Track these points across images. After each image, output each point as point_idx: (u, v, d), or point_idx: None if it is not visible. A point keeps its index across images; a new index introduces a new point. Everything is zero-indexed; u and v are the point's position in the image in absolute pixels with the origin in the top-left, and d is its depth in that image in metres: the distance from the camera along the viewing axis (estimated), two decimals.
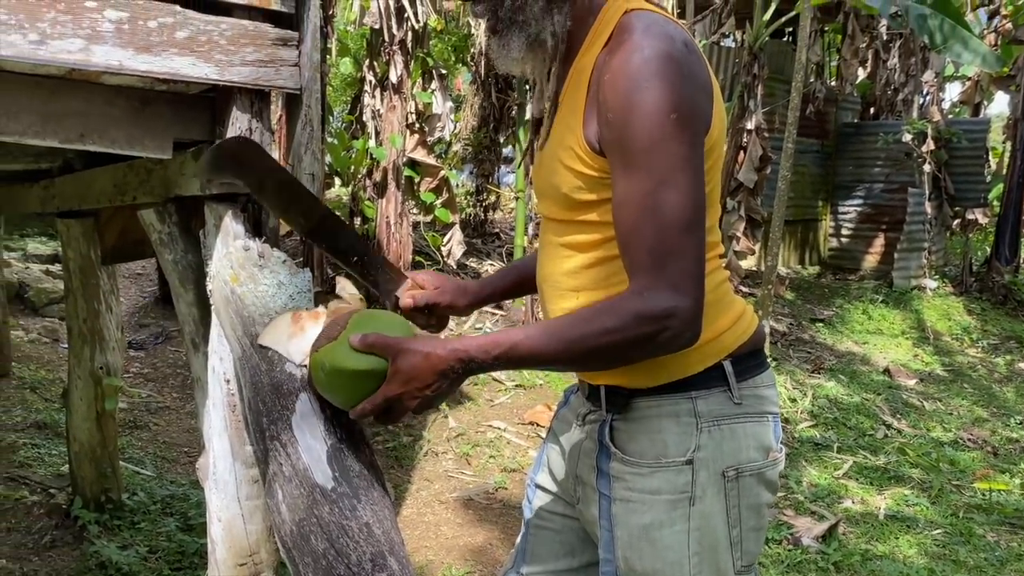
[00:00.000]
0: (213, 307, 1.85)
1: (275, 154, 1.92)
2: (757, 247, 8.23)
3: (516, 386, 4.93)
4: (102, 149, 1.71)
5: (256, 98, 1.76)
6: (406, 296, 1.53)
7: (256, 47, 1.71)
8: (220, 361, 1.96)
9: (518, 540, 1.59)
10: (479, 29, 6.65)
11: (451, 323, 5.82)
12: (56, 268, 6.12)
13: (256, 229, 1.92)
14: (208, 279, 1.88)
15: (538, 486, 1.55)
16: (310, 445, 1.45)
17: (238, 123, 1.74)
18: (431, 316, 1.59)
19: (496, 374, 5.02)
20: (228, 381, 1.97)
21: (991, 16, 12.19)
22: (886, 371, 6.20)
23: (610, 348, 1.16)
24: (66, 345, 3.90)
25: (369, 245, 1.53)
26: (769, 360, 4.70)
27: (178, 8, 1.60)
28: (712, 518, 1.30)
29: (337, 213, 1.55)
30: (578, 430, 1.44)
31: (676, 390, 1.30)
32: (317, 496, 1.38)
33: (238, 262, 1.80)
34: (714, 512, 1.30)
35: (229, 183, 1.58)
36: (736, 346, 1.34)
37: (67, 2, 1.49)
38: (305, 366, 1.40)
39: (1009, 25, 11.56)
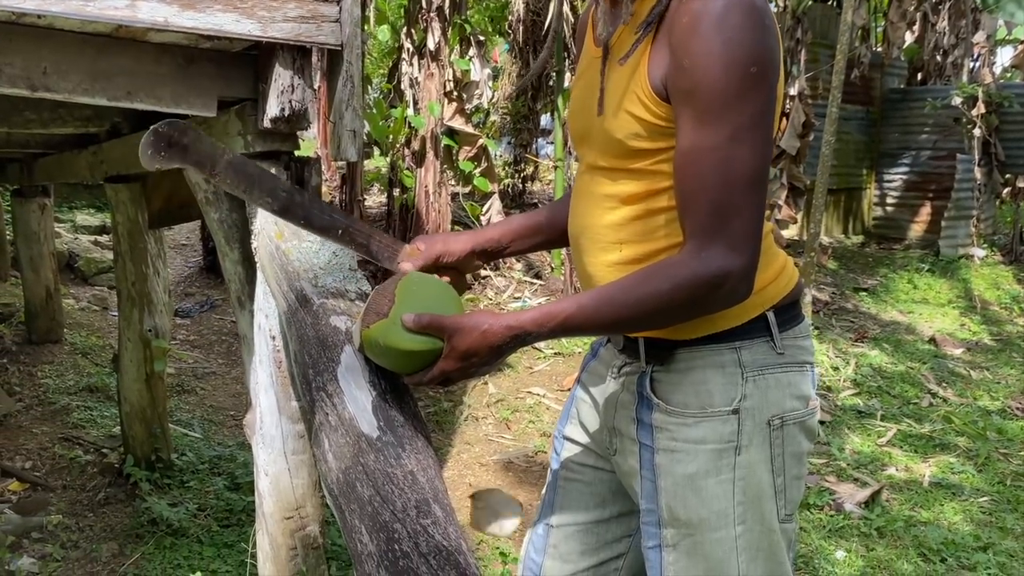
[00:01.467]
0: (258, 264, 1.88)
1: (316, 112, 1.92)
2: (799, 216, 8.10)
3: (555, 354, 4.94)
4: (148, 107, 1.73)
5: (298, 54, 1.77)
6: (403, 264, 1.45)
7: (298, 3, 1.72)
8: (266, 318, 2.00)
9: (544, 492, 1.58)
10: None
11: (491, 293, 5.83)
12: (104, 239, 6.26)
13: (300, 186, 1.94)
14: (253, 236, 1.91)
15: (567, 438, 1.54)
16: (355, 395, 1.46)
17: (280, 80, 1.75)
18: (443, 277, 1.50)
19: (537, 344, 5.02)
20: (274, 337, 2.00)
21: None
22: (932, 340, 6.09)
23: (665, 311, 1.16)
24: (115, 313, 4.00)
25: (352, 216, 1.46)
26: (812, 327, 4.63)
27: None
28: (757, 467, 1.29)
29: (305, 191, 1.46)
30: (613, 382, 1.42)
31: (720, 340, 1.29)
32: (363, 445, 1.40)
33: (282, 221, 1.82)
34: (759, 461, 1.29)
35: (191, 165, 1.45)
36: (779, 298, 1.33)
37: None
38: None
39: None
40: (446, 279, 1.48)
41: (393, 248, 1.46)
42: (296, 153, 1.94)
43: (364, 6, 5.08)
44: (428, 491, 1.41)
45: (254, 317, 2.02)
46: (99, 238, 6.36)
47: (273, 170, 1.87)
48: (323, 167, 5.78)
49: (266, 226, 1.81)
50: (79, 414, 3.79)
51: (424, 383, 1.27)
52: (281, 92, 1.75)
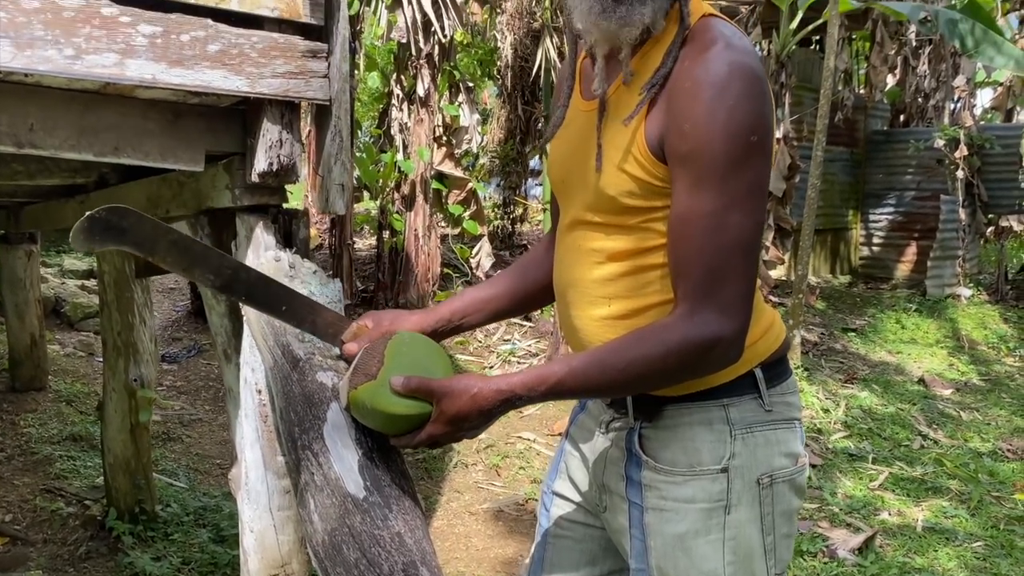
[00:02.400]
0: (245, 318, 1.87)
1: (304, 166, 1.93)
2: (787, 256, 8.15)
3: None
4: (136, 162, 1.73)
5: (286, 109, 1.78)
6: (349, 345, 1.40)
7: (286, 59, 1.73)
8: (252, 372, 1.98)
9: (533, 549, 1.56)
10: (504, 42, 6.67)
11: (480, 335, 5.82)
12: (91, 283, 6.22)
13: (287, 240, 1.94)
14: None
15: (556, 494, 1.52)
16: (341, 455, 1.44)
17: (269, 135, 1.76)
18: None
19: None
20: (260, 392, 1.98)
21: (1022, 21, 12.03)
22: (921, 381, 6.10)
23: (657, 375, 1.16)
24: (101, 359, 3.96)
25: (293, 291, 1.44)
26: (801, 370, 4.63)
27: (210, 22, 1.62)
28: (747, 526, 1.28)
29: (252, 267, 1.43)
30: (602, 438, 1.41)
31: (708, 397, 1.28)
32: (349, 506, 1.38)
33: (269, 273, 1.81)
34: (749, 520, 1.28)
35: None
36: (767, 355, 1.33)
37: (102, 18, 1.52)
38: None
39: None
40: None
41: (338, 325, 1.44)
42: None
43: (354, 53, 5.13)
44: (416, 553, 1.38)
45: (240, 370, 2.01)
46: (86, 283, 6.32)
47: (261, 223, 1.87)
48: (311, 216, 5.80)
49: None
50: (62, 464, 3.74)
51: (411, 446, 1.25)
52: (269, 147, 1.76)
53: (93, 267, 6.37)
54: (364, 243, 7.50)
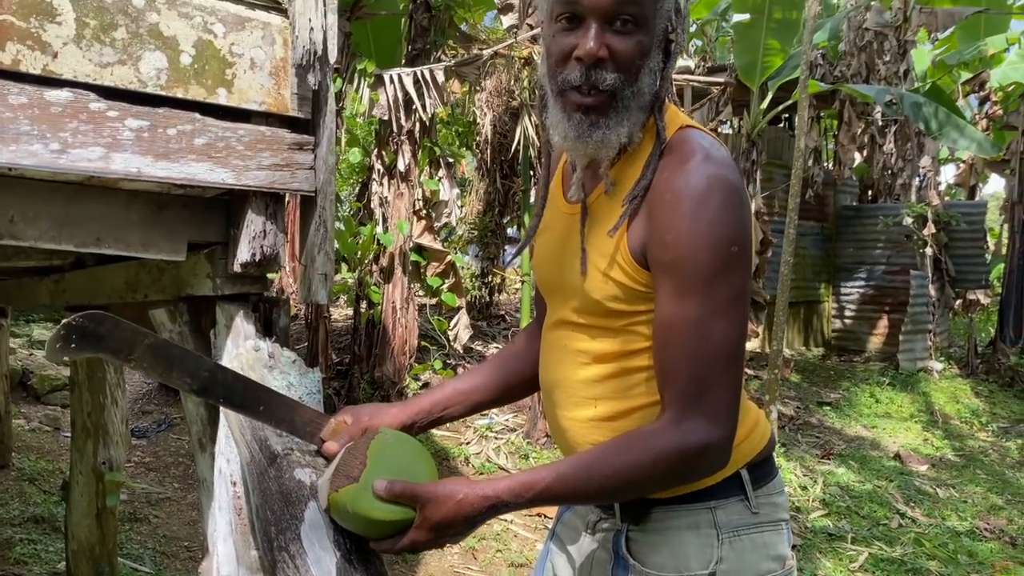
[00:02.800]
0: (222, 408, 1.84)
1: (286, 254, 1.93)
2: (761, 329, 8.23)
3: None
4: (117, 253, 1.72)
5: (271, 200, 1.78)
6: (329, 443, 1.39)
7: (272, 152, 1.74)
8: (227, 463, 1.94)
9: None
10: (484, 119, 6.79)
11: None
12: None
13: (267, 328, 1.92)
14: None
15: None
16: (319, 556, 1.40)
17: (252, 226, 1.76)
18: None
19: (502, 462, 4.95)
20: (235, 483, 1.93)
21: (982, 102, 12.49)
22: (897, 456, 6.11)
23: (646, 482, 1.16)
24: (67, 434, 3.86)
25: (271, 390, 1.41)
26: (778, 445, 4.60)
27: (197, 116, 1.64)
28: None
29: (229, 368, 1.42)
30: (588, 538, 1.39)
31: (694, 500, 1.28)
32: None
33: (248, 363, 1.79)
34: None
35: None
36: (753, 455, 1.33)
37: (89, 113, 1.52)
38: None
39: (1000, 110, 11.84)
40: None
41: (317, 422, 1.42)
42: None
43: (336, 127, 5.19)
44: None
45: (215, 461, 1.96)
46: None
47: (242, 312, 1.85)
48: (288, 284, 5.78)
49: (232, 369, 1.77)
50: (22, 548, 3.60)
51: (393, 551, 1.23)
52: (253, 238, 1.75)
53: None
54: (340, 314, 7.46)
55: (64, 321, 1.16)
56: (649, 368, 1.24)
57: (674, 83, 7.74)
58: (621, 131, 1.21)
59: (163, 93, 1.59)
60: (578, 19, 1.19)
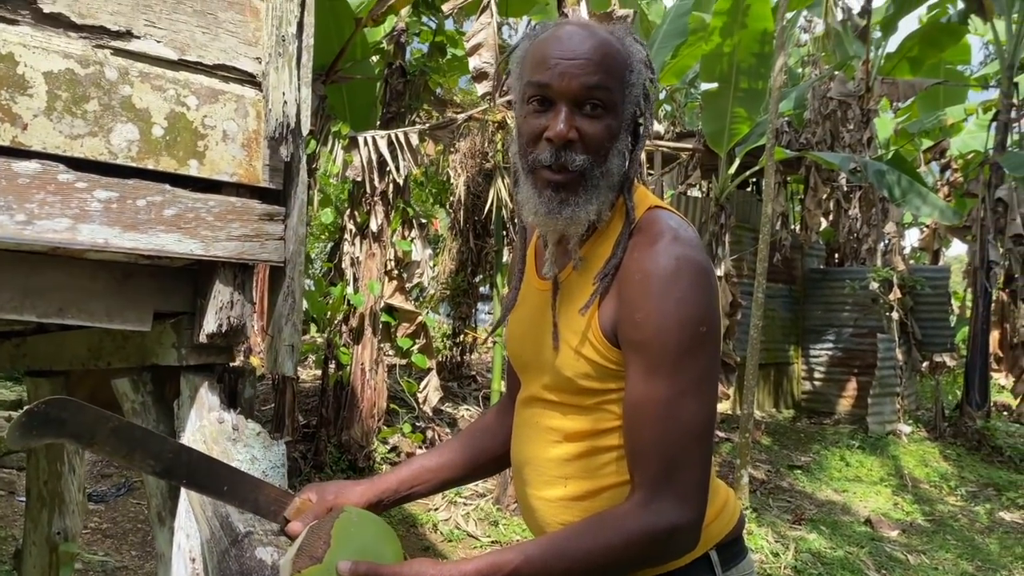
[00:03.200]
0: None
1: (255, 324, 1.91)
2: (732, 391, 8.26)
3: (492, 542, 4.77)
4: (80, 323, 1.69)
5: (239, 271, 1.77)
6: (293, 524, 1.37)
7: (242, 222, 1.73)
8: (187, 538, 1.88)
9: None
10: (458, 180, 6.85)
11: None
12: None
13: (232, 400, 1.89)
14: None
15: None
16: None
17: (220, 296, 1.74)
18: None
19: (471, 528, 4.86)
20: (193, 560, 1.88)
21: (943, 169, 12.87)
22: (867, 521, 6.10)
23: (614, 564, 1.14)
24: (22, 498, 3.74)
25: (236, 470, 1.39)
26: (749, 510, 4.58)
27: (167, 187, 1.63)
28: None
29: (193, 448, 1.40)
30: None
31: None
32: None
33: (211, 435, 1.76)
34: None
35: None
36: (722, 536, 1.32)
37: (57, 184, 1.51)
38: None
39: (960, 178, 12.19)
40: None
41: (282, 501, 1.41)
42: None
43: (308, 190, 5.20)
44: None
45: (174, 535, 1.91)
46: (13, 413, 6.05)
47: (207, 383, 1.82)
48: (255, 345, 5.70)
49: (194, 443, 1.74)
50: None
51: None
52: (220, 308, 1.74)
53: (23, 396, 6.11)
54: (309, 375, 7.38)
55: (26, 408, 1.14)
56: (620, 447, 1.24)
57: (644, 148, 7.92)
58: (590, 209, 1.23)
59: (133, 164, 1.59)
60: (549, 102, 1.22)
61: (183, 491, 1.83)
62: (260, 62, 1.76)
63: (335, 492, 1.42)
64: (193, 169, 1.67)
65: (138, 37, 1.60)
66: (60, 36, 1.54)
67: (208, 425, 1.78)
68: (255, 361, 5.14)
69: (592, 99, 1.21)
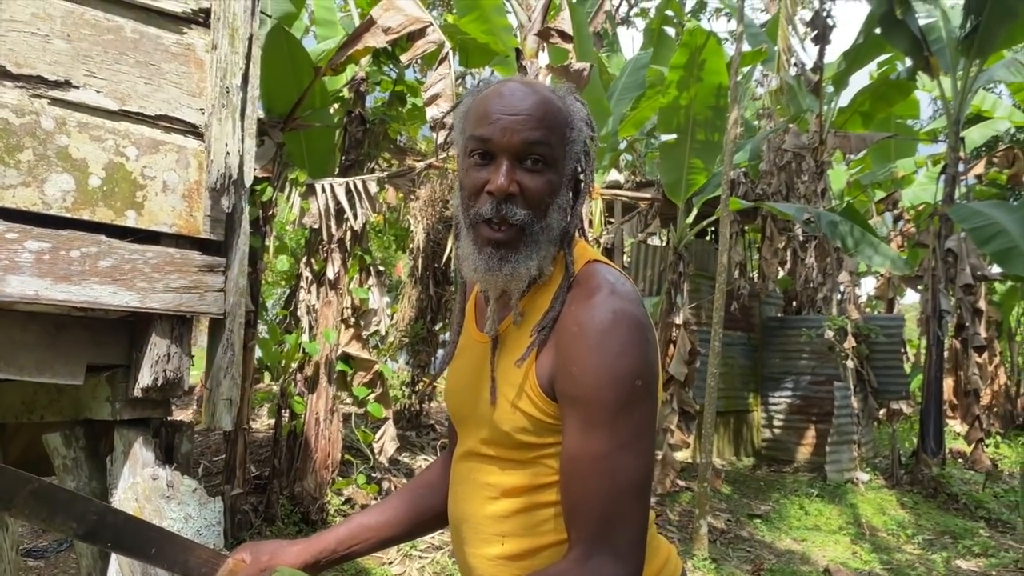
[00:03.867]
0: None
1: (194, 376, 1.87)
2: (691, 439, 8.26)
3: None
4: (9, 377, 1.64)
5: (177, 323, 1.74)
6: None
7: (181, 274, 1.71)
8: None
9: None
10: (417, 227, 6.86)
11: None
12: None
13: (168, 455, 1.84)
14: None
15: None
16: None
17: (156, 349, 1.71)
18: None
19: None
20: None
21: (896, 219, 13.20)
22: (826, 571, 6.08)
23: None
24: None
25: (165, 531, 1.36)
26: (709, 560, 4.54)
27: (103, 238, 1.60)
28: None
29: (120, 510, 1.36)
30: None
31: None
32: None
33: (144, 493, 1.71)
34: None
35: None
36: None
37: None
38: None
39: (912, 228, 12.50)
40: None
41: (214, 563, 1.37)
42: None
43: (264, 236, 5.17)
44: None
45: None
46: None
47: (141, 438, 1.77)
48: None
49: (126, 501, 1.68)
50: None
51: None
52: (156, 361, 1.70)
53: None
54: (262, 424, 7.24)
55: None
56: (558, 504, 1.23)
57: (604, 197, 7.94)
58: (531, 264, 1.24)
59: (68, 215, 1.56)
60: (490, 156, 1.23)
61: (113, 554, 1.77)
62: (203, 113, 1.76)
63: (270, 552, 1.38)
64: (131, 220, 1.64)
65: (77, 87, 1.59)
66: None
67: (142, 482, 1.73)
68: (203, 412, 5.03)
69: (533, 154, 1.22)
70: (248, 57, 1.79)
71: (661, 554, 1.34)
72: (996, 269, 9.65)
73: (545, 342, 1.22)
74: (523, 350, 1.24)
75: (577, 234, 1.35)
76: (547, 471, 1.23)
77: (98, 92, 1.62)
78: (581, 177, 1.32)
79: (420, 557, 5.04)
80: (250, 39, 1.78)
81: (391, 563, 4.94)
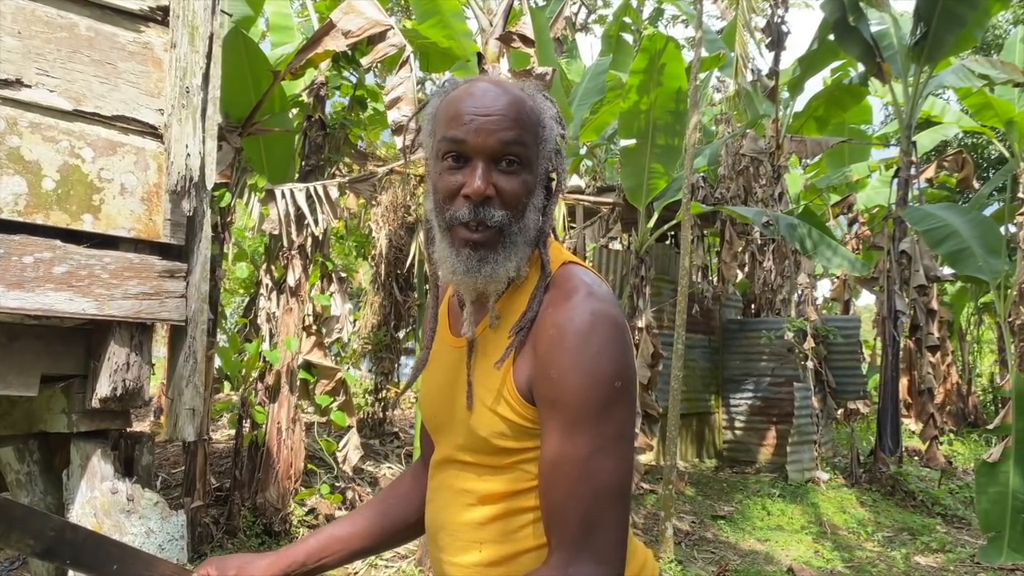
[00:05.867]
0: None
1: (153, 386, 1.81)
2: (655, 442, 8.30)
3: None
4: None
5: (137, 331, 1.68)
6: None
7: (141, 280, 1.65)
8: None
9: None
10: (380, 232, 6.80)
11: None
12: None
13: (127, 467, 1.78)
14: None
15: None
16: None
17: (115, 358, 1.65)
18: None
19: None
20: None
21: (851, 223, 13.44)
22: (790, 571, 6.13)
23: None
24: None
25: (127, 546, 1.32)
26: (675, 563, 4.55)
27: (59, 243, 1.54)
28: None
29: (79, 525, 1.32)
30: None
31: None
32: None
33: (103, 507, 1.64)
34: None
35: None
36: None
37: None
38: None
39: (868, 231, 12.75)
40: None
41: None
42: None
43: (223, 243, 5.07)
44: None
45: None
46: None
47: (99, 450, 1.71)
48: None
49: (84, 517, 1.62)
50: None
51: None
52: (115, 371, 1.64)
53: None
54: (222, 435, 7.10)
55: None
56: (537, 509, 1.21)
57: (566, 202, 7.94)
58: (509, 266, 1.22)
59: (20, 219, 1.50)
60: (465, 158, 1.21)
61: (70, 572, 1.70)
62: (163, 113, 1.70)
63: (237, 566, 1.35)
64: (87, 224, 1.59)
65: (29, 86, 1.53)
66: None
67: (100, 496, 1.67)
68: (163, 423, 4.91)
69: (509, 155, 1.20)
70: (209, 56, 1.74)
71: (637, 559, 1.33)
72: (948, 270, 9.88)
73: (523, 344, 1.20)
74: (500, 352, 1.22)
75: (550, 234, 1.33)
76: (525, 476, 1.22)
77: (51, 91, 1.56)
78: (553, 176, 1.30)
79: (386, 567, 4.98)
80: (211, 38, 1.73)
81: (356, 573, 4.87)
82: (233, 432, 5.73)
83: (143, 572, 1.32)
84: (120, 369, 1.64)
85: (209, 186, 1.72)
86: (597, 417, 1.12)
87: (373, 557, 5.03)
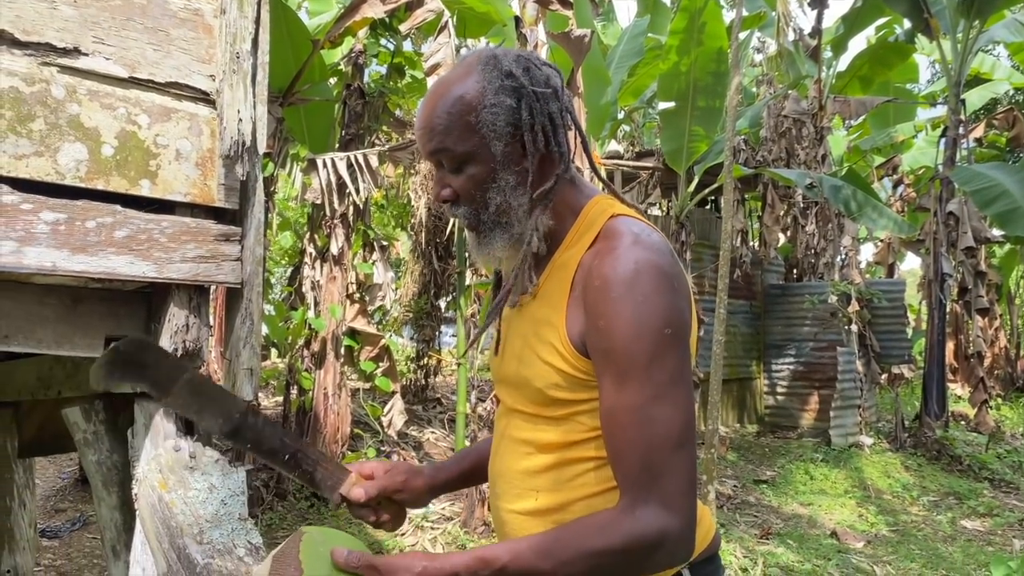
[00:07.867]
0: (138, 513, 1.73)
1: (213, 349, 1.86)
2: (697, 407, 8.29)
3: None
4: (27, 350, 1.63)
5: (195, 293, 1.72)
6: (355, 489, 1.41)
7: (197, 243, 1.69)
8: (143, 572, 1.81)
9: None
10: (419, 201, 6.82)
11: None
12: None
13: (188, 426, 1.83)
14: (134, 483, 1.76)
15: None
16: None
17: (175, 319, 1.69)
18: (383, 511, 1.46)
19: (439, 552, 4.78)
20: None
21: (896, 184, 13.16)
22: (833, 534, 6.12)
23: (602, 570, 1.12)
24: None
25: (302, 440, 1.42)
26: (718, 524, 4.57)
27: (119, 208, 1.58)
28: None
29: (260, 411, 1.45)
30: None
31: None
32: None
33: (167, 465, 1.70)
34: None
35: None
36: (696, 553, 1.29)
37: (1, 206, 1.46)
38: None
39: (913, 192, 12.47)
40: (376, 517, 1.45)
41: (338, 477, 1.43)
42: None
43: (267, 213, 5.13)
44: None
45: (130, 569, 1.84)
46: None
47: (161, 411, 1.76)
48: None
49: (149, 473, 1.67)
50: None
51: None
52: (175, 332, 1.69)
53: None
54: (270, 400, 7.24)
55: (112, 346, 1.16)
56: (590, 459, 1.24)
57: (605, 168, 7.89)
58: (502, 244, 1.28)
59: (82, 185, 1.54)
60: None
61: (138, 524, 1.77)
62: (214, 79, 1.73)
63: (404, 475, 1.46)
64: (145, 189, 1.62)
65: (86, 54, 1.56)
66: (4, 53, 1.49)
67: (163, 454, 1.72)
68: None
69: (441, 159, 1.26)
70: (257, 21, 1.76)
71: (704, 524, 1.34)
72: (997, 232, 9.64)
73: (571, 296, 1.22)
74: (551, 308, 1.24)
75: (601, 186, 1.36)
76: (580, 428, 1.24)
77: (107, 59, 1.59)
78: (526, 136, 1.24)
79: (432, 528, 5.07)
80: (259, 3, 1.74)
81: (404, 534, 4.97)
82: (281, 398, 5.85)
83: (309, 467, 1.41)
84: (180, 331, 1.68)
85: (261, 151, 1.75)
86: (647, 365, 1.13)
87: (419, 518, 5.12)
